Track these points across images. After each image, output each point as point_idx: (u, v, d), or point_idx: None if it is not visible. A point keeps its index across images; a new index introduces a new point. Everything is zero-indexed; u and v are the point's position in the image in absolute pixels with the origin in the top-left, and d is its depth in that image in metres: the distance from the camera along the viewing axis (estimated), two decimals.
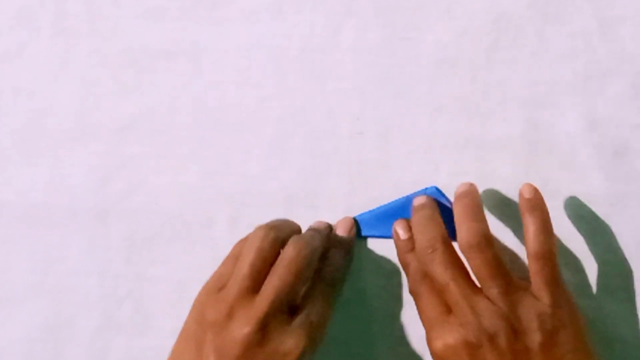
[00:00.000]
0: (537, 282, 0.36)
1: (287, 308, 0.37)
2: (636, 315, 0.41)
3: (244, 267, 0.37)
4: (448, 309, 0.37)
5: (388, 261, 0.43)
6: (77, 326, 0.44)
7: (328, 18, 0.46)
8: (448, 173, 0.43)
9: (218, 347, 0.36)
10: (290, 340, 0.36)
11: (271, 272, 0.37)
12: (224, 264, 0.40)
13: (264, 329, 0.36)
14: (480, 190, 0.43)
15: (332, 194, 0.44)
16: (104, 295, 0.45)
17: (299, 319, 0.37)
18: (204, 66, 0.47)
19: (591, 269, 0.41)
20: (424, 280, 0.39)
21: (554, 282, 0.36)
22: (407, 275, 0.40)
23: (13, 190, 0.47)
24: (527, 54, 0.44)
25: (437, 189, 0.42)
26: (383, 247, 0.43)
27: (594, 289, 0.41)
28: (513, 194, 0.42)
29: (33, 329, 0.45)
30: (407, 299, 0.42)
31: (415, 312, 0.40)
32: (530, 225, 0.37)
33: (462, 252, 0.37)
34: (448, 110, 0.44)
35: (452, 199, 0.40)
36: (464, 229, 0.37)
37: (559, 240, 0.42)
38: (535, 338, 0.35)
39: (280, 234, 0.39)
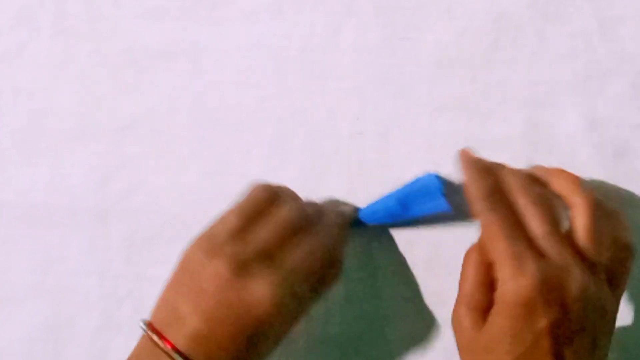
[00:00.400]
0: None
1: (269, 260, 0.36)
2: (635, 315, 0.41)
3: (235, 211, 0.38)
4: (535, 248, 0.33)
5: (389, 261, 0.43)
6: (77, 326, 0.44)
7: (328, 18, 0.46)
8: (448, 173, 0.43)
9: (195, 284, 0.36)
10: (263, 288, 0.35)
11: (261, 224, 0.37)
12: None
13: (240, 273, 0.35)
14: None
15: (332, 194, 0.44)
16: (104, 295, 0.45)
17: (275, 269, 0.36)
18: (204, 66, 0.47)
19: None
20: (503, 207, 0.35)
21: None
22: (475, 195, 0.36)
23: (13, 190, 0.47)
24: (527, 54, 0.44)
25: (437, 177, 0.41)
26: (384, 247, 0.43)
27: None
28: None
29: (33, 329, 0.45)
30: (408, 297, 0.42)
31: (416, 312, 0.40)
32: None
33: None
34: (448, 110, 0.44)
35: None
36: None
37: None
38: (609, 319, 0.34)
39: (279, 192, 0.39)
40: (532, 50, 0.44)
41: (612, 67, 0.43)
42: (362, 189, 0.44)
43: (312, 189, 0.44)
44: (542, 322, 0.32)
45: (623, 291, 0.36)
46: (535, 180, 0.37)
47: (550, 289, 0.32)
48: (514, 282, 0.32)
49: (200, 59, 0.47)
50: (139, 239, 0.45)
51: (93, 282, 0.45)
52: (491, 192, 0.35)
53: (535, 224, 0.34)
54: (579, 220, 0.34)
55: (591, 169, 0.42)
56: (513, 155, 0.43)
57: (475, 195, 0.36)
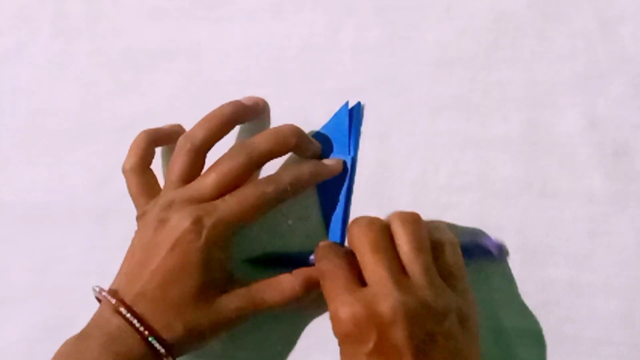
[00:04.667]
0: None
1: (200, 199, 0.39)
2: (635, 315, 0.41)
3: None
4: (363, 283, 0.36)
5: None
6: (77, 326, 0.44)
7: (328, 18, 0.46)
8: (448, 173, 0.43)
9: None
10: (178, 217, 0.38)
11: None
12: None
13: (168, 208, 0.39)
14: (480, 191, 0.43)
15: None
16: None
17: (199, 206, 0.39)
18: (204, 66, 0.47)
19: (591, 269, 0.41)
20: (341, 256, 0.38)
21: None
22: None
23: (13, 190, 0.47)
24: (527, 54, 0.44)
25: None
26: None
27: (594, 289, 0.41)
28: (513, 194, 0.42)
29: (33, 329, 0.45)
30: None
31: None
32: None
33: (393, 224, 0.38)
34: (448, 110, 0.44)
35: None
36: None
37: (559, 240, 0.42)
38: (453, 320, 0.35)
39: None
40: (532, 50, 0.44)
41: (612, 67, 0.43)
42: (362, 188, 0.44)
43: (312, 188, 0.44)
44: (364, 349, 0.34)
45: (465, 284, 0.38)
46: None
47: (361, 321, 0.34)
48: (334, 322, 0.35)
49: (200, 59, 0.47)
50: None
51: (93, 282, 0.45)
52: (322, 247, 0.39)
53: (359, 257, 0.37)
54: (398, 234, 0.37)
55: (591, 169, 0.42)
56: (513, 155, 0.43)
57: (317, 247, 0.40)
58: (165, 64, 0.47)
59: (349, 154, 0.43)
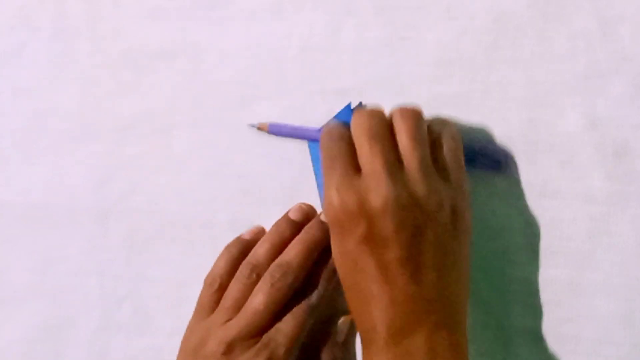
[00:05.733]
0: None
1: (258, 331, 0.38)
2: (635, 315, 0.41)
3: (227, 301, 0.39)
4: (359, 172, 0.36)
5: None
6: (77, 326, 0.44)
7: (328, 18, 0.46)
8: None
9: None
10: None
11: (248, 301, 0.38)
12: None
13: (230, 352, 0.37)
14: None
15: None
16: (104, 295, 0.45)
17: (263, 340, 0.37)
18: (204, 66, 0.47)
19: (591, 269, 0.41)
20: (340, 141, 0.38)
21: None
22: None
23: (13, 190, 0.47)
24: (527, 54, 0.44)
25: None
26: None
27: (594, 289, 0.41)
28: (513, 194, 0.42)
29: (33, 329, 0.45)
30: None
31: None
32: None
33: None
34: (448, 110, 0.44)
35: None
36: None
37: (559, 240, 0.42)
38: (445, 216, 0.36)
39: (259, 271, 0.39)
40: (532, 50, 0.44)
41: (612, 67, 0.43)
42: None
43: (312, 188, 0.44)
44: (353, 236, 0.35)
45: (462, 178, 0.38)
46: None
47: (352, 209, 0.35)
48: (326, 206, 0.36)
49: (200, 59, 0.47)
50: (139, 239, 0.45)
51: (93, 282, 0.45)
52: (328, 129, 0.39)
53: (357, 145, 0.37)
54: (397, 127, 0.37)
55: (591, 169, 0.42)
56: (513, 155, 0.43)
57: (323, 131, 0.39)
58: (166, 64, 0.47)
59: None
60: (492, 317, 0.41)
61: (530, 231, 0.42)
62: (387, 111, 0.43)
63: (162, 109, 0.47)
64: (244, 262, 0.39)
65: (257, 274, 0.39)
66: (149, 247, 0.45)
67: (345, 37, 0.46)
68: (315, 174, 0.41)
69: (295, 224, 0.41)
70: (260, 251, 0.40)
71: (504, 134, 0.43)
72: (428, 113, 0.44)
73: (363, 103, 0.44)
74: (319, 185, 0.42)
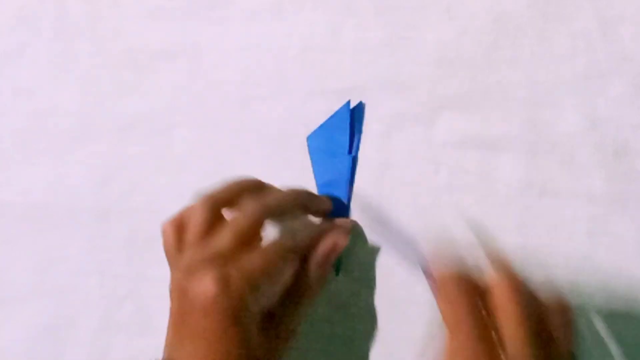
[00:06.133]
0: None
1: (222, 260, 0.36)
2: (635, 315, 0.41)
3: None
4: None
5: (389, 260, 0.43)
6: (77, 326, 0.44)
7: (328, 18, 0.46)
8: (448, 173, 0.43)
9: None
10: (200, 283, 0.35)
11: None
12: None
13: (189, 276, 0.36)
14: (481, 189, 0.43)
15: None
16: (104, 295, 0.45)
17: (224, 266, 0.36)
18: (204, 66, 0.47)
19: (591, 269, 0.41)
20: None
21: None
22: None
23: (13, 190, 0.47)
24: (527, 54, 0.44)
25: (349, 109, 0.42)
26: (384, 247, 0.43)
27: (594, 288, 0.41)
28: (513, 194, 0.42)
29: (33, 329, 0.45)
30: (408, 297, 0.42)
31: (417, 312, 0.40)
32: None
33: None
34: (448, 110, 0.44)
35: None
36: None
37: (559, 240, 0.42)
38: None
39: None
40: (532, 50, 0.44)
41: (612, 67, 0.43)
42: (363, 188, 0.44)
43: (312, 188, 0.44)
44: None
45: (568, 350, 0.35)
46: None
47: None
48: None
49: (201, 59, 0.47)
50: (139, 239, 0.45)
51: (93, 282, 0.45)
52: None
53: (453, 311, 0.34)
54: (503, 311, 0.34)
55: (591, 169, 0.42)
56: (513, 155, 0.43)
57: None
58: (166, 64, 0.47)
59: (350, 153, 0.43)
60: None
61: (530, 231, 0.42)
62: (387, 111, 0.43)
63: (162, 109, 0.47)
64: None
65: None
66: (149, 247, 0.45)
67: (345, 37, 0.46)
68: (314, 170, 0.41)
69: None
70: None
71: (504, 134, 0.43)
72: (428, 113, 0.44)
73: (363, 102, 0.44)
74: (317, 183, 0.42)
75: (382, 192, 0.43)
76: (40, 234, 0.46)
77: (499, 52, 0.44)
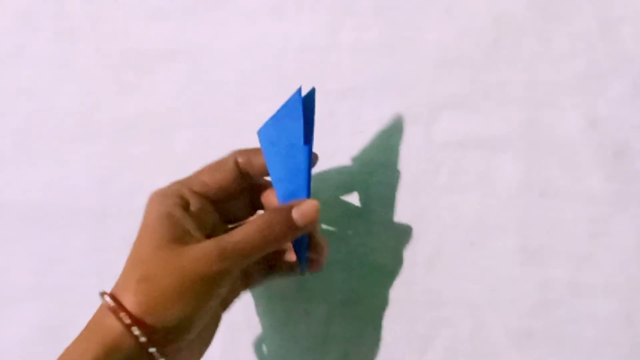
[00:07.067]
0: None
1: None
2: (635, 315, 0.41)
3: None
4: None
5: (389, 260, 0.43)
6: (77, 326, 0.44)
7: (328, 18, 0.46)
8: (448, 173, 0.43)
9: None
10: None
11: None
12: None
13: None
14: (481, 191, 0.43)
15: (333, 193, 0.44)
16: None
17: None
18: (204, 66, 0.47)
19: (591, 269, 0.41)
20: None
21: None
22: None
23: (13, 190, 0.47)
24: (527, 54, 0.44)
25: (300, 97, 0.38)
26: (384, 247, 0.43)
27: (594, 289, 0.41)
28: (513, 194, 0.42)
29: (33, 329, 0.45)
30: (408, 297, 0.42)
31: (416, 311, 0.40)
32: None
33: None
34: (448, 110, 0.44)
35: None
36: None
37: (559, 240, 0.42)
38: None
39: None
40: (532, 50, 0.44)
41: (612, 67, 0.43)
42: (363, 188, 0.44)
43: (312, 188, 0.44)
44: None
45: None
46: None
47: None
48: None
49: (201, 59, 0.47)
50: None
51: (93, 282, 0.45)
52: None
53: None
54: None
55: (591, 169, 0.42)
56: (513, 155, 0.43)
57: None
58: (166, 64, 0.47)
59: (305, 143, 0.38)
60: (492, 318, 0.41)
61: (530, 231, 0.42)
62: (387, 111, 0.43)
63: (162, 109, 0.47)
64: None
65: None
66: None
67: (345, 37, 0.46)
68: (268, 165, 0.38)
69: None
70: None
71: (504, 134, 0.43)
72: (428, 113, 0.44)
73: (315, 87, 0.40)
74: (272, 177, 0.38)
75: (382, 192, 0.43)
76: (40, 234, 0.46)
77: (499, 52, 0.44)
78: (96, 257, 0.45)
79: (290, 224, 0.36)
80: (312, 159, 0.38)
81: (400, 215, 0.43)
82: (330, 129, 0.45)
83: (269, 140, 0.38)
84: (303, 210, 0.36)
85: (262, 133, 0.38)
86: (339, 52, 0.46)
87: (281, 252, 0.40)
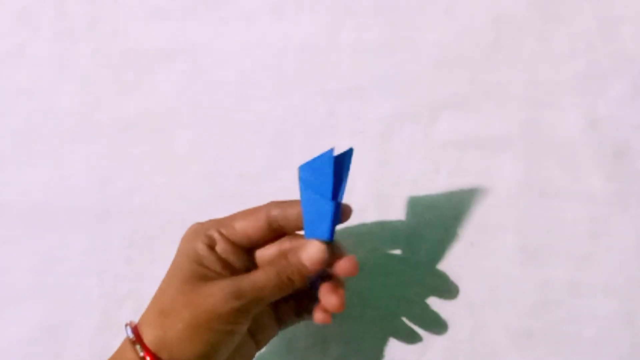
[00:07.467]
0: None
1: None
2: (635, 315, 0.41)
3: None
4: None
5: (389, 261, 0.43)
6: (77, 326, 0.44)
7: (328, 18, 0.46)
8: (448, 173, 0.43)
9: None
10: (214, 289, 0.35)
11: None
12: None
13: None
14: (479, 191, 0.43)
15: None
16: (104, 295, 0.45)
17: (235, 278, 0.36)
18: (204, 66, 0.47)
19: (591, 269, 0.41)
20: None
21: None
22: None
23: (13, 190, 0.47)
24: (527, 54, 0.44)
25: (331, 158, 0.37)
26: (384, 247, 0.43)
27: (594, 289, 0.41)
28: (513, 194, 0.42)
29: (33, 329, 0.45)
30: (408, 297, 0.42)
31: (416, 312, 0.40)
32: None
33: None
34: (448, 110, 0.44)
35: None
36: None
37: (559, 240, 0.42)
38: None
39: None
40: (532, 50, 0.44)
41: (612, 67, 0.43)
42: (363, 188, 0.44)
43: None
44: None
45: None
46: None
47: None
48: None
49: (201, 59, 0.47)
50: (139, 239, 0.45)
51: (93, 282, 0.45)
52: None
53: None
54: None
55: (591, 169, 0.42)
56: (513, 155, 0.43)
57: None
58: (166, 64, 0.47)
59: (333, 199, 0.38)
60: (492, 318, 0.41)
61: (530, 231, 0.42)
62: (387, 111, 0.43)
63: (162, 109, 0.47)
64: None
65: None
66: (149, 247, 0.45)
67: (345, 37, 0.46)
68: (302, 204, 0.38)
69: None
70: None
71: (504, 134, 0.43)
72: (428, 113, 0.44)
73: (353, 148, 0.38)
74: (304, 218, 0.38)
75: (382, 192, 0.43)
76: (40, 234, 0.46)
77: (499, 52, 0.44)
78: (96, 257, 0.45)
79: (300, 267, 0.36)
80: (339, 211, 0.38)
81: (400, 215, 0.43)
82: (330, 129, 0.45)
83: (306, 180, 0.38)
84: (310, 253, 0.36)
85: (302, 170, 0.38)
86: (339, 52, 0.46)
87: (311, 296, 0.39)
